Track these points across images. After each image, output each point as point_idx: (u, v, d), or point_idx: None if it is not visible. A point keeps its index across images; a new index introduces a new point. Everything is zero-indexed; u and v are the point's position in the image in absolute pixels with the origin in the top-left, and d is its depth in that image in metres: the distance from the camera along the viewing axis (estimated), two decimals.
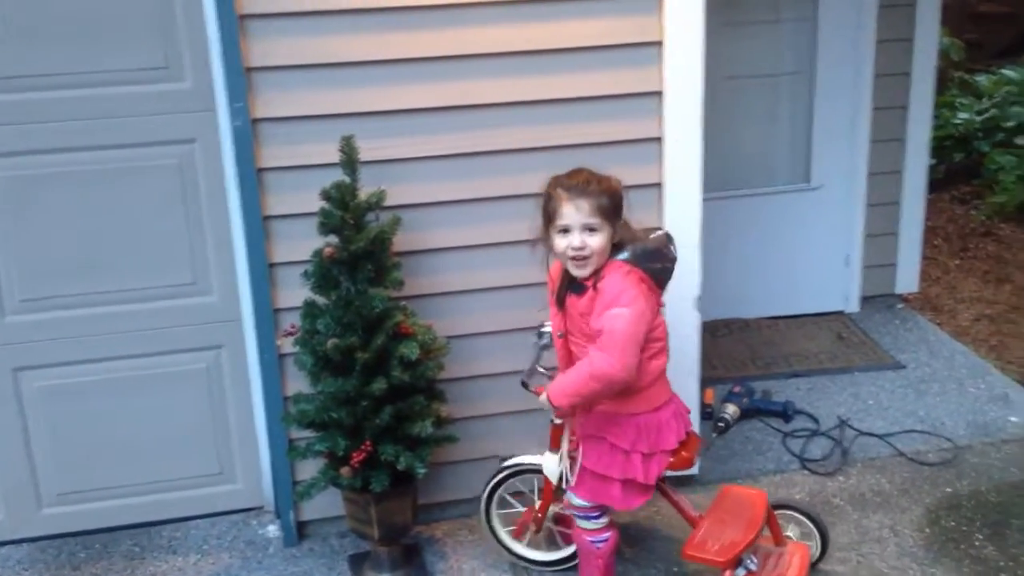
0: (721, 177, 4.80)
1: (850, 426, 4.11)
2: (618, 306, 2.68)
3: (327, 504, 3.36)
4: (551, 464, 3.11)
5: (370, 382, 2.98)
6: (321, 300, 3.08)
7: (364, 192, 3.04)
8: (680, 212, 3.41)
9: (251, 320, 3.34)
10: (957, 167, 7.17)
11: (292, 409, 3.18)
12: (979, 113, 7.36)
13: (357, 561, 3.40)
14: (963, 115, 7.36)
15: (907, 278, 5.23)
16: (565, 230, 2.75)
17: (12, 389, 3.40)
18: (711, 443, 4.01)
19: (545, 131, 3.32)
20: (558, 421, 3.05)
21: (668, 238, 2.90)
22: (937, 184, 6.82)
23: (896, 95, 4.88)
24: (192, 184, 3.33)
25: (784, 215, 5.01)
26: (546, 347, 3.08)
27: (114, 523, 3.60)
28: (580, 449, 2.94)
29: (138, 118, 3.23)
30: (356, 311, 2.99)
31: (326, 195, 2.99)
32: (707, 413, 4.10)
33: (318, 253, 3.02)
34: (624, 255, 2.78)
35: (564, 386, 2.78)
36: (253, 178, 3.15)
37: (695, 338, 3.54)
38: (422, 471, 3.07)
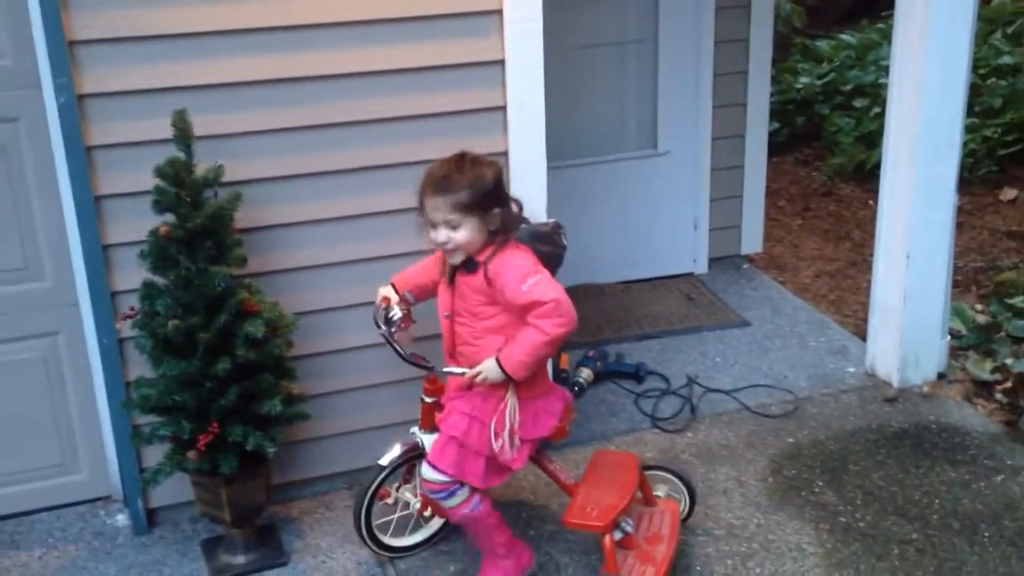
0: (574, 145, 4.87)
1: (698, 384, 4.24)
2: (531, 276, 2.73)
3: (177, 490, 3.27)
4: (431, 442, 3.02)
5: (214, 363, 2.91)
6: (160, 281, 2.98)
7: (201, 168, 2.96)
8: (526, 180, 3.42)
9: (88, 304, 3.22)
10: (799, 130, 7.42)
11: (134, 394, 3.08)
12: (819, 77, 7.62)
13: (211, 545, 3.34)
14: (804, 79, 7.60)
15: (752, 239, 5.40)
16: (433, 224, 2.78)
17: None
18: None
19: (386, 103, 3.28)
20: (430, 400, 3.05)
21: (558, 226, 2.95)
22: (780, 147, 7.05)
23: (736, 61, 5.00)
24: (18, 165, 3.17)
25: (634, 181, 5.09)
26: (394, 332, 3.01)
27: None
28: (448, 420, 2.93)
29: None
30: (197, 290, 2.92)
31: (160, 172, 2.89)
32: (562, 378, 4.16)
33: (154, 232, 2.92)
34: (511, 236, 2.81)
35: (521, 357, 2.74)
36: (82, 156, 3.02)
37: None
38: (272, 451, 3.03)
